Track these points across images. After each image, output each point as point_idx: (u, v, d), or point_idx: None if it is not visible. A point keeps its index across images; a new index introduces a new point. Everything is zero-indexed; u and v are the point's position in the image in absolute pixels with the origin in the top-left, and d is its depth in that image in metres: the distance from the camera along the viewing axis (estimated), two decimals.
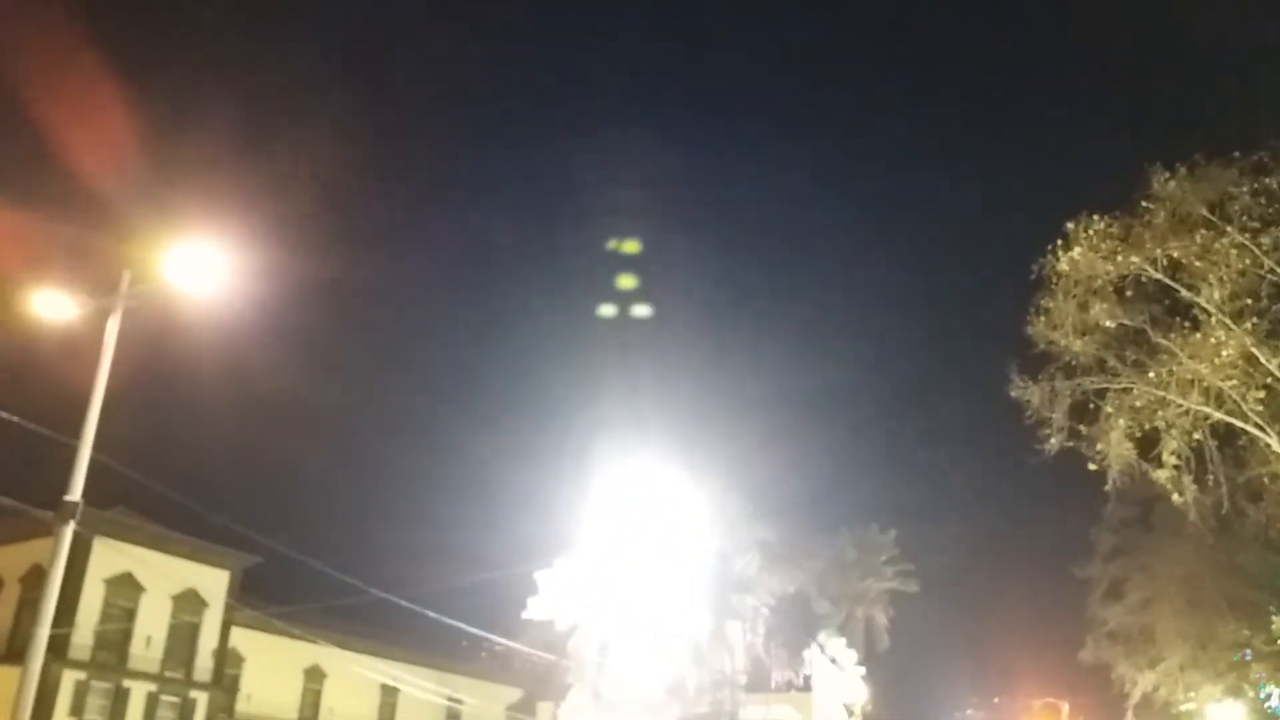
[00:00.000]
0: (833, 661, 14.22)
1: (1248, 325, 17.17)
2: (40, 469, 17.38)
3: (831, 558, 38.65)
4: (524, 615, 15.66)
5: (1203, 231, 17.15)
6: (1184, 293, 17.63)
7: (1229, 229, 17.02)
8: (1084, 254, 17.63)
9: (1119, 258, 17.57)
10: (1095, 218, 17.60)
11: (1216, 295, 17.06)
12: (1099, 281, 17.98)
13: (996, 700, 63.15)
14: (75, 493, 13.94)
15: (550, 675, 31.69)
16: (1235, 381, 17.49)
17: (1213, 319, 17.33)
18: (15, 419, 15.48)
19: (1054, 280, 18.22)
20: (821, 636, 14.62)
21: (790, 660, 14.09)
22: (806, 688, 13.41)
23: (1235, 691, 30.18)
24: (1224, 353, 17.16)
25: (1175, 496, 18.68)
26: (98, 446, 14.41)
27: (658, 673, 14.05)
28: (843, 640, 14.90)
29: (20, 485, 20.13)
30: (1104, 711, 41.19)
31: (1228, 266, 17.04)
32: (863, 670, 14.52)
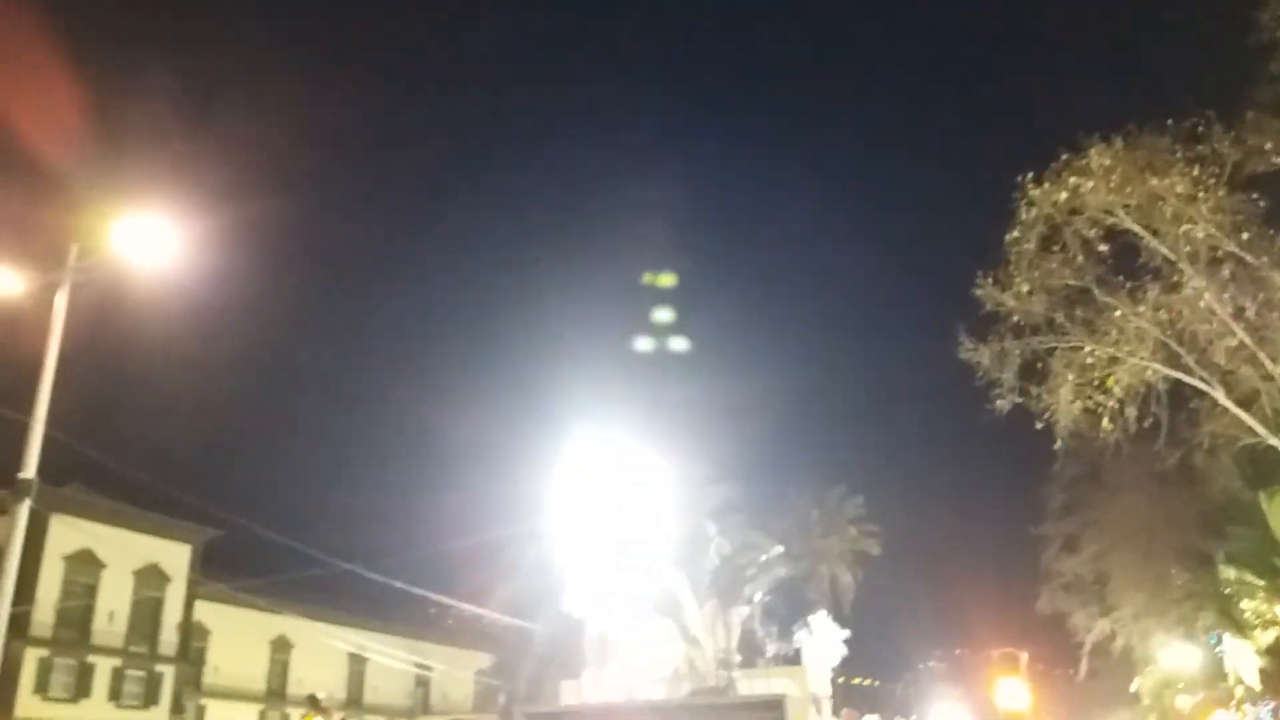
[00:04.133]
0: (819, 634, 14.70)
1: (1218, 275, 17.37)
2: None
3: (796, 518, 39.06)
4: (562, 608, 15.77)
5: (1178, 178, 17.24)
6: (1151, 240, 17.77)
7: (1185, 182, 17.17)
8: (1065, 187, 17.68)
9: (1097, 193, 17.63)
10: (1094, 150, 17.57)
11: (1200, 234, 17.21)
12: (1077, 217, 18.00)
13: (958, 652, 64.50)
14: (30, 470, 13.78)
15: (521, 641, 31.89)
16: (1199, 334, 17.71)
17: (1179, 269, 17.52)
18: None
19: (1025, 215, 18.21)
20: (811, 615, 15.11)
21: (781, 635, 14.55)
22: (797, 660, 13.86)
23: (1187, 636, 31.04)
24: (1196, 299, 17.34)
25: (1105, 422, 18.84)
26: (51, 422, 14.23)
27: (664, 653, 14.29)
28: (828, 614, 15.38)
29: None
30: (1061, 659, 42.24)
31: (1207, 211, 17.16)
32: (846, 637, 14.93)
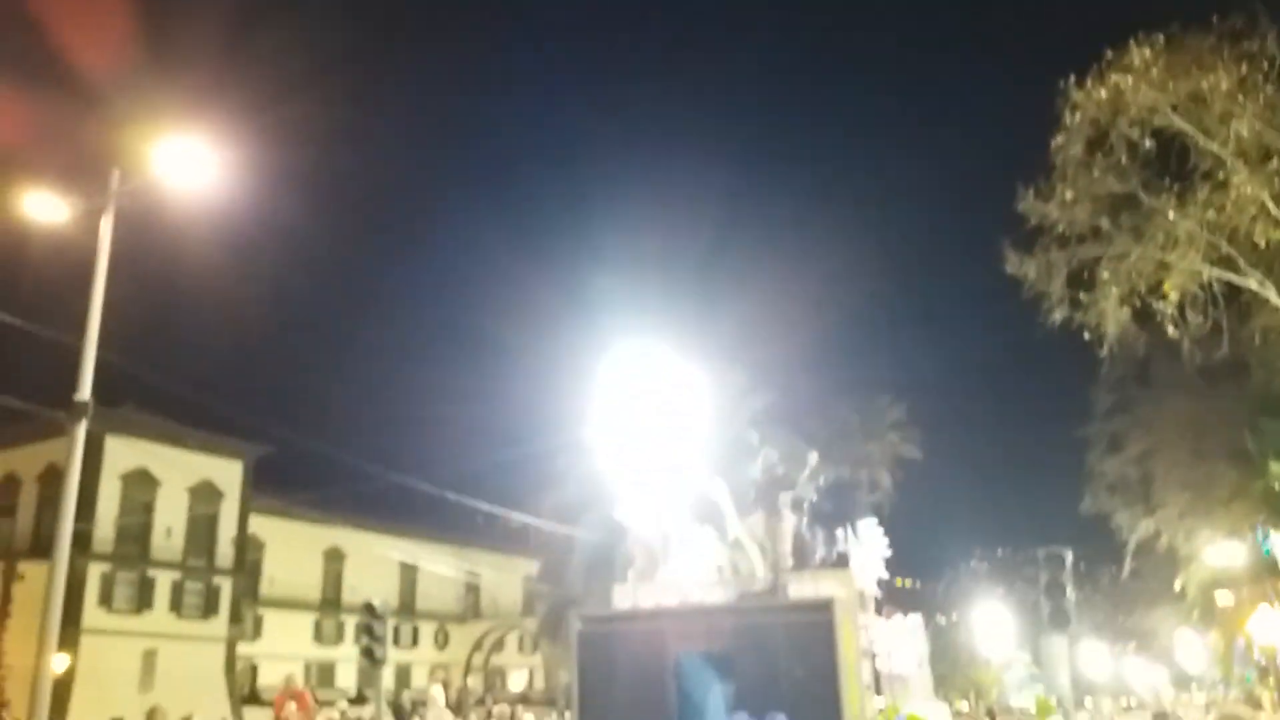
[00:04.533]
0: (865, 538, 14.84)
1: (1267, 169, 16.96)
2: (46, 371, 17.47)
3: (838, 425, 39.12)
4: (608, 515, 15.97)
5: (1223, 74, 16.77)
6: (1200, 139, 17.35)
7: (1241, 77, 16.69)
8: (1108, 86, 17.26)
9: (1141, 92, 17.20)
10: (1136, 46, 17.11)
11: (1246, 131, 16.78)
12: (1122, 118, 17.61)
13: (1000, 552, 64.96)
14: (85, 392, 14.07)
15: (567, 548, 32.45)
16: (1249, 231, 17.38)
17: (1228, 165, 17.12)
18: (18, 321, 15.49)
19: (1069, 119, 17.85)
20: (858, 520, 15.28)
21: (828, 540, 14.69)
22: (844, 563, 14.05)
23: (1233, 534, 30.98)
24: (1243, 195, 16.97)
25: (1171, 329, 18.68)
26: (102, 345, 14.46)
27: (711, 559, 14.50)
28: (874, 519, 15.52)
29: (29, 387, 20.25)
30: (1105, 559, 42.44)
31: (1255, 106, 16.71)
32: (889, 542, 15.09)
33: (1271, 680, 30.88)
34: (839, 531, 14.39)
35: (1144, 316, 19.18)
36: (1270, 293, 18.23)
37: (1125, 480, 33.58)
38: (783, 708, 10.63)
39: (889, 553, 15.35)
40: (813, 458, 16.29)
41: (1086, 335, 19.07)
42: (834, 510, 14.16)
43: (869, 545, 14.64)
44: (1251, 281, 18.16)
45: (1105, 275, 18.70)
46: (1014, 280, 19.14)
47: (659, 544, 14.56)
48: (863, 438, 40.74)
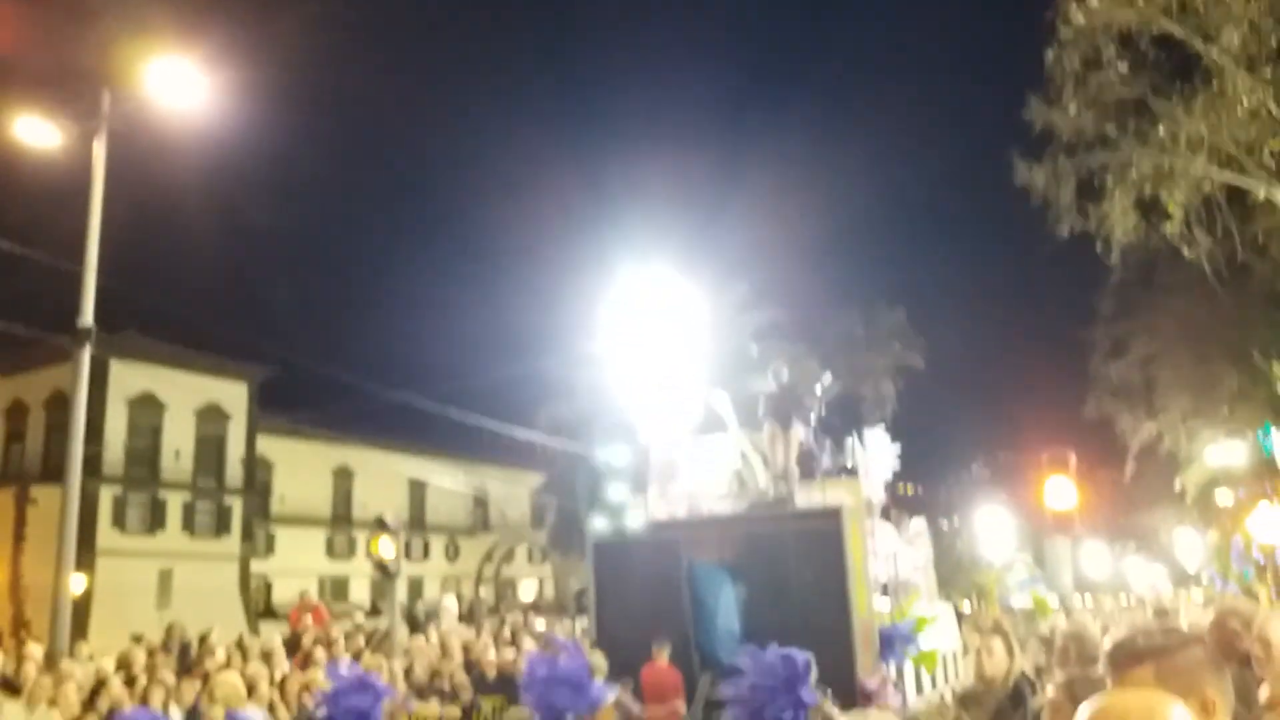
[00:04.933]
0: (872, 447, 14.92)
1: (1265, 74, 16.72)
2: (50, 297, 17.45)
3: (840, 336, 39.20)
4: (642, 442, 16.18)
5: None
6: (1197, 44, 17.07)
7: None
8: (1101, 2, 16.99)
9: (1135, 3, 16.91)
10: None
11: (1236, 40, 16.49)
12: (1112, 30, 17.36)
13: (1001, 457, 65.57)
14: (87, 318, 14.10)
15: (573, 461, 32.74)
16: (1250, 135, 17.22)
17: (1227, 71, 16.87)
18: (16, 248, 15.43)
19: (1064, 31, 17.61)
20: (866, 428, 15.39)
21: (836, 449, 14.81)
22: (853, 472, 14.18)
23: (1234, 434, 31.22)
24: (1243, 101, 16.76)
25: (1185, 250, 18.73)
26: (102, 270, 14.44)
27: (718, 472, 14.76)
28: (881, 426, 15.56)
29: (33, 313, 20.25)
30: (1106, 462, 42.85)
31: (1245, 8, 16.41)
32: (898, 450, 15.17)
33: (1269, 576, 31.43)
34: (847, 441, 14.56)
35: (1150, 223, 19.12)
36: (1277, 192, 18.11)
37: (1128, 384, 33.74)
38: (792, 611, 10.92)
39: (898, 463, 15.53)
40: (826, 377, 16.46)
41: (1098, 246, 19.04)
42: (842, 422, 14.34)
43: (878, 454, 14.82)
44: (1259, 187, 18.05)
45: (1113, 182, 18.59)
46: (1020, 190, 19.04)
47: (672, 456, 14.76)
48: (866, 348, 40.83)
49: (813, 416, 14.36)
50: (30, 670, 10.67)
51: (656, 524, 13.29)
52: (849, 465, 14.44)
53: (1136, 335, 32.49)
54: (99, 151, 14.03)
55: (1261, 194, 17.97)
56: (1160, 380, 32.03)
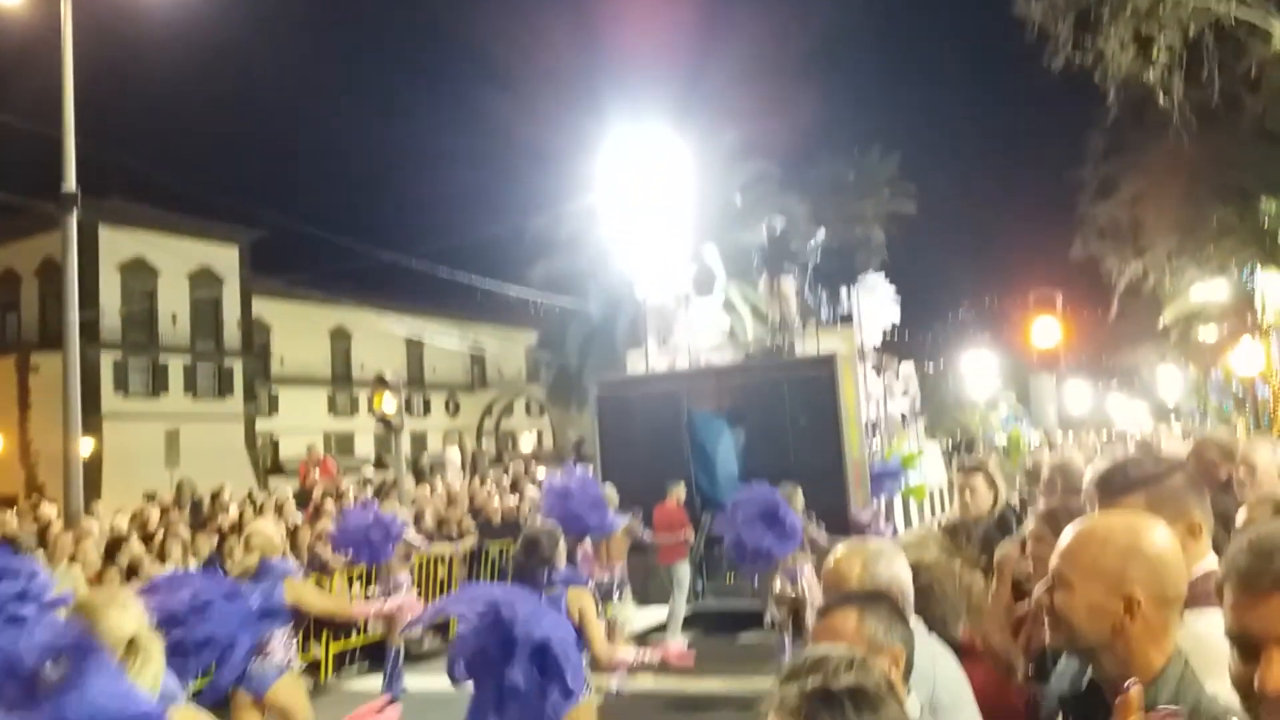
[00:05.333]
0: (867, 295, 15.08)
1: None
2: (34, 165, 17.35)
3: (829, 183, 38.94)
4: (639, 297, 16.53)
5: None
6: None
7: None
8: None
9: None
10: None
11: None
12: None
13: (987, 301, 66.11)
14: (70, 183, 14.06)
15: (566, 318, 33.08)
16: None
17: None
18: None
19: None
20: (861, 276, 15.48)
21: (832, 299, 15.02)
22: (848, 320, 14.42)
23: (1220, 271, 31.51)
24: None
25: (1162, 97, 18.62)
26: (83, 136, 14.33)
27: (714, 323, 15.09)
28: (881, 274, 15.62)
29: (16, 182, 20.14)
30: (1092, 302, 43.35)
31: None
32: (898, 297, 15.31)
33: (1247, 409, 32.26)
34: (842, 290, 14.81)
35: (1146, 57, 18.88)
36: (1275, 26, 17.89)
37: (1115, 224, 33.82)
38: (788, 454, 11.44)
39: (897, 309, 15.81)
40: (820, 233, 16.60)
41: (1096, 79, 18.85)
42: (837, 269, 14.53)
43: (877, 300, 15.08)
44: (1261, 18, 17.79)
45: (1109, 15, 18.29)
46: (1014, 24, 18.72)
47: (668, 311, 15.04)
48: (857, 196, 40.65)
49: (809, 267, 14.62)
50: (49, 529, 11.04)
51: (657, 376, 13.73)
52: (845, 313, 14.78)
53: (1126, 173, 32.39)
54: (66, 8, 13.77)
55: (1255, 23, 17.72)
56: (1147, 219, 32.10)
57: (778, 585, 9.12)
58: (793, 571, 8.85)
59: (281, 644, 6.14)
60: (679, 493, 11.27)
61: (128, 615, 2.94)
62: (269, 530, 6.61)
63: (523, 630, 3.99)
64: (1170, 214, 30.66)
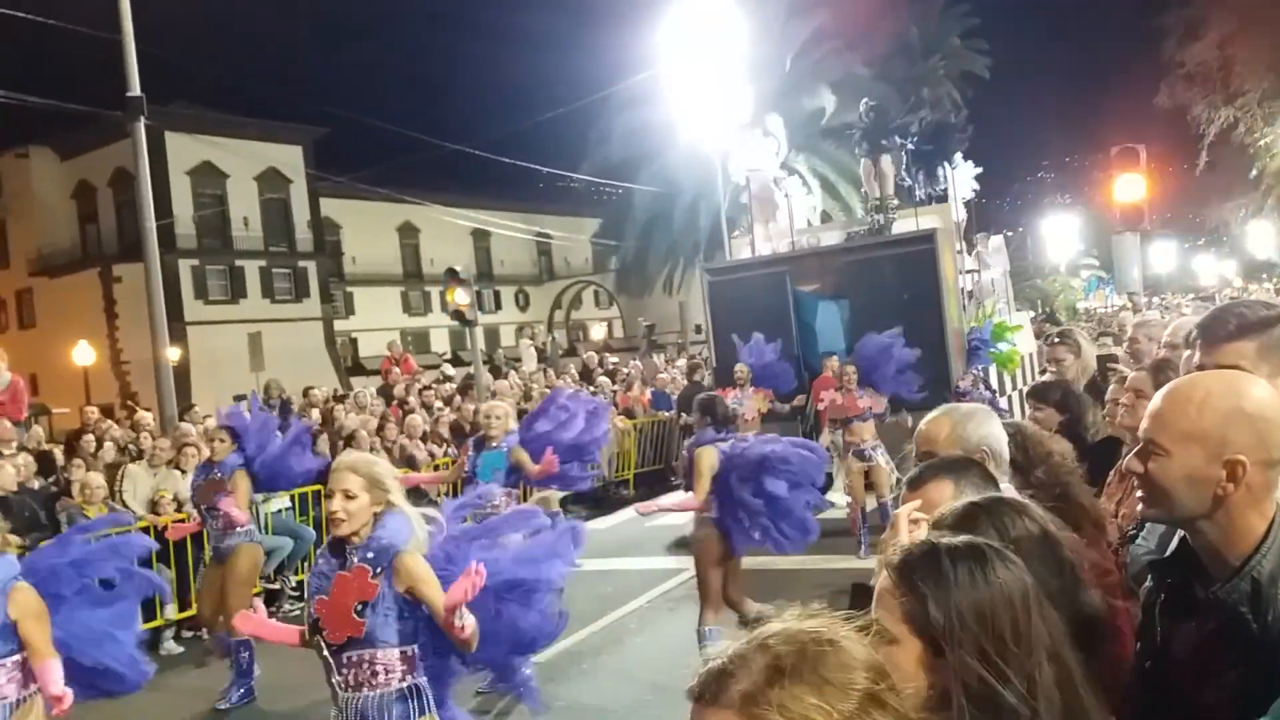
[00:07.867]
0: (956, 172, 14.90)
1: None
2: (96, 77, 17.43)
3: (892, 40, 37.14)
4: (732, 178, 16.69)
5: None
6: None
7: None
8: None
9: None
10: None
11: None
12: None
13: (1068, 160, 63.81)
14: (134, 87, 14.11)
15: (622, 205, 32.78)
16: None
17: None
18: (55, 22, 15.30)
19: None
20: (955, 158, 15.22)
21: (928, 179, 14.91)
22: (943, 199, 14.41)
23: None
24: None
25: None
26: (146, 43, 14.32)
27: (804, 204, 15.27)
28: (961, 155, 15.39)
29: (82, 93, 20.30)
30: (1178, 155, 41.52)
31: None
32: (977, 169, 15.06)
33: None
34: (939, 170, 14.70)
35: None
36: None
37: (1203, 68, 32.02)
38: (893, 327, 11.67)
39: (977, 184, 15.77)
40: (923, 112, 16.38)
41: None
42: (932, 151, 14.34)
43: (960, 178, 15.02)
44: None
45: None
46: None
47: (768, 192, 14.96)
48: (923, 53, 38.99)
49: (905, 147, 14.65)
50: (147, 435, 11.33)
51: (761, 259, 14.40)
52: (939, 191, 15.00)
53: (1213, 14, 30.53)
54: None
55: None
56: (1237, 61, 30.32)
57: (850, 461, 9.94)
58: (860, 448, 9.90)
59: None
60: (832, 364, 11.43)
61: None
62: (507, 407, 7.54)
63: (765, 450, 5.66)
64: (1262, 54, 28.92)
